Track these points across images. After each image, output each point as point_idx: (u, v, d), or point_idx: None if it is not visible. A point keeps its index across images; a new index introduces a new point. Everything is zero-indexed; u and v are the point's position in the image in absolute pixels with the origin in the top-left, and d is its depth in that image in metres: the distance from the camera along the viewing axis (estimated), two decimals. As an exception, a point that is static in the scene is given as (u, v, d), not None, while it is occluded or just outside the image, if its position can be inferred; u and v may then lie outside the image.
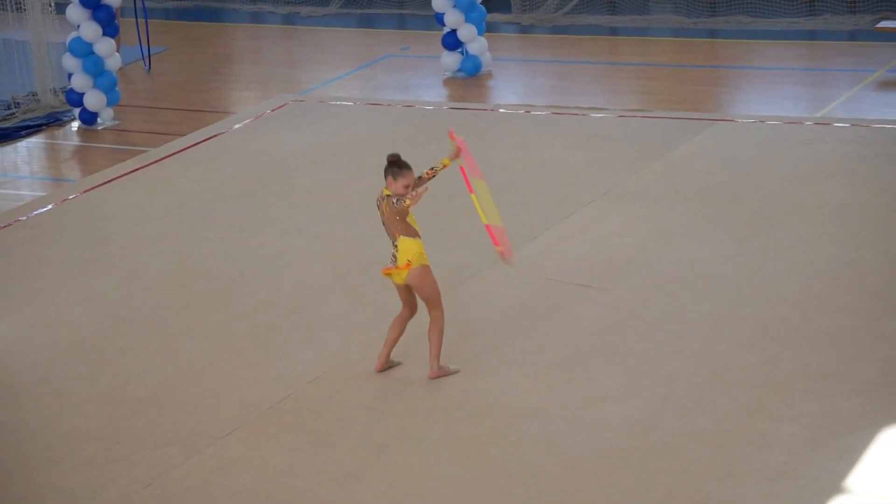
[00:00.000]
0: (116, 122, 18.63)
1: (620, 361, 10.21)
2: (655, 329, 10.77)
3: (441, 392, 10.02)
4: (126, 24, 21.17)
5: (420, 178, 9.92)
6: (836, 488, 8.45)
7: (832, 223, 12.74)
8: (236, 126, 17.65)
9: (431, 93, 19.49)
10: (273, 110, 18.25)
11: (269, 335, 11.26)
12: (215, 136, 17.26)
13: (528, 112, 17.64)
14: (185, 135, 17.35)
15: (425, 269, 9.90)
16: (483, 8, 20.11)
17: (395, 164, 9.74)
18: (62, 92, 19.15)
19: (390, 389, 10.12)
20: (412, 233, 9.86)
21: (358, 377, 10.35)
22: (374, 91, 19.73)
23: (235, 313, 11.67)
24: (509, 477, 8.85)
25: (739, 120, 16.44)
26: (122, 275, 12.74)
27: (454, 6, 19.79)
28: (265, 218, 14.06)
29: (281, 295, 12.03)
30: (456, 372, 10.19)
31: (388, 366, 10.31)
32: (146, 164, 16.19)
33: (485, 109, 18.03)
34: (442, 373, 10.13)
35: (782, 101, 17.71)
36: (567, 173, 14.70)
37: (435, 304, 10.00)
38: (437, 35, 20.52)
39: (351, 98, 18.97)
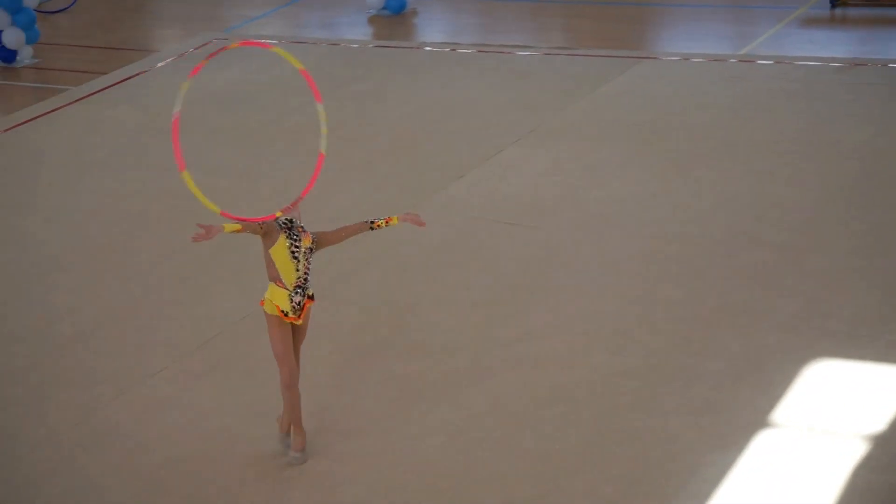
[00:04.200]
0: (36, 60, 18.39)
1: (548, 298, 10.27)
2: (582, 266, 10.83)
3: (371, 330, 10.03)
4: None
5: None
6: (761, 422, 8.55)
7: (756, 160, 12.83)
8: (160, 64, 17.47)
9: (356, 31, 19.38)
10: (196, 48, 18.07)
11: (195, 275, 11.21)
12: (138, 74, 17.08)
13: (453, 50, 17.59)
14: (107, 73, 17.16)
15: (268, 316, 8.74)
16: (408, -55, 20.00)
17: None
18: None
19: (319, 326, 10.11)
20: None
21: (286, 316, 10.33)
22: (298, 29, 19.60)
23: (161, 253, 11.62)
24: (440, 414, 8.89)
25: (664, 58, 16.48)
26: (47, 214, 12.64)
27: (379, -57, 19.67)
28: (190, 156, 13.89)
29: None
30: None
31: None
32: (69, 102, 16.01)
33: (410, 48, 17.96)
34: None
35: (706, 39, 17.77)
36: (493, 112, 14.69)
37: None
38: (362, -27, 20.39)
39: (275, 36, 18.83)
